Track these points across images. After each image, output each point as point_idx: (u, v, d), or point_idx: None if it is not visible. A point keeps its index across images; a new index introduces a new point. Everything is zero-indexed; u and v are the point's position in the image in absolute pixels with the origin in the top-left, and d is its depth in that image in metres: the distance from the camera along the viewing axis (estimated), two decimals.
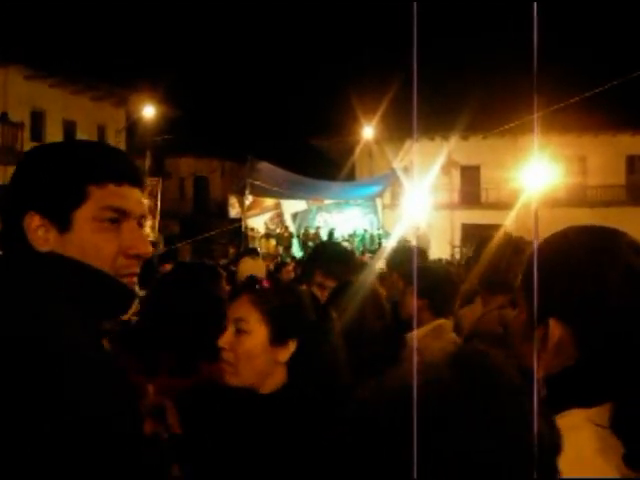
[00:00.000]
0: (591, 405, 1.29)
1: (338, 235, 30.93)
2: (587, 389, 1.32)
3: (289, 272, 12.74)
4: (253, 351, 2.05)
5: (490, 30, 48.94)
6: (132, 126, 30.56)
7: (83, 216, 1.38)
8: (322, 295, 3.07)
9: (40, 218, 1.37)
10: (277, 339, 2.08)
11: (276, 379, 2.08)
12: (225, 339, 2.07)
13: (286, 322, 2.09)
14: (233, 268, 12.55)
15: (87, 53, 29.25)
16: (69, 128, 29.30)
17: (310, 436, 1.80)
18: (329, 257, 3.66)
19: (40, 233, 1.36)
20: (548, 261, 1.41)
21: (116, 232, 1.40)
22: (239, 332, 2.06)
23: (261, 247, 27.61)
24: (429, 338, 3.54)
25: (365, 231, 31.99)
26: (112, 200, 1.40)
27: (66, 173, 1.39)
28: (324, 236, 29.89)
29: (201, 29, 75.87)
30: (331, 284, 3.34)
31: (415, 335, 3.43)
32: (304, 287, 2.65)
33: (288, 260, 18.46)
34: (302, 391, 2.06)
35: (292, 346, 2.09)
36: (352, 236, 31.41)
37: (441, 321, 3.76)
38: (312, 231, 31.26)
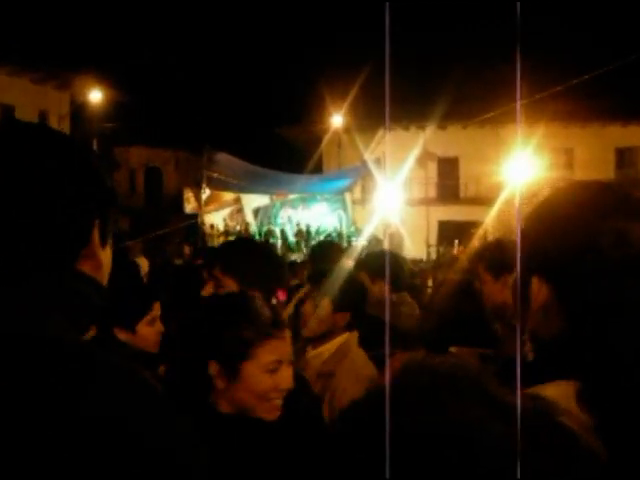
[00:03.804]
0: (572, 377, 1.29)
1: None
2: (569, 360, 1.32)
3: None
4: None
5: (470, 12, 49.21)
6: (77, 111, 30.30)
7: None
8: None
9: None
10: None
11: None
12: (291, 381, 2.34)
13: None
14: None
15: (26, 31, 28.88)
16: (7, 113, 28.91)
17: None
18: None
19: None
20: (539, 217, 1.45)
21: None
22: (289, 366, 2.36)
23: None
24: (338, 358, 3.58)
25: (335, 229, 32.04)
26: None
27: None
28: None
29: (154, 5, 75.24)
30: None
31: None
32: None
33: None
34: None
35: None
36: (317, 234, 31.43)
37: (350, 335, 3.74)
38: (282, 227, 31.19)
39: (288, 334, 2.38)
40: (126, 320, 3.55)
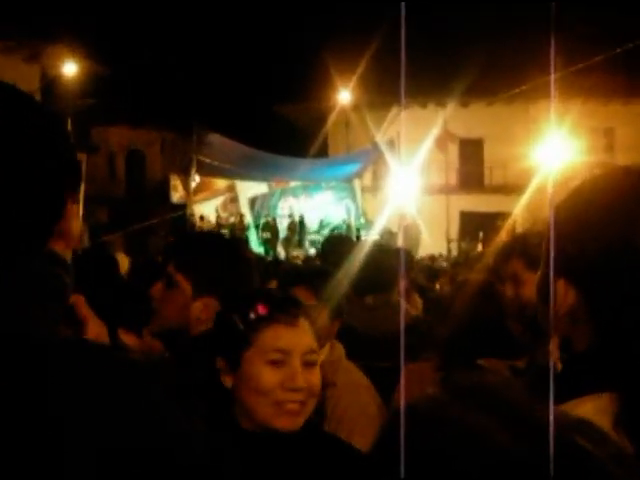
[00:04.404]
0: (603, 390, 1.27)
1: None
2: (603, 370, 1.31)
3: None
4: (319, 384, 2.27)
5: None
6: (48, 87, 30.27)
7: None
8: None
9: None
10: None
11: None
12: (303, 377, 2.20)
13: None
14: None
15: None
16: None
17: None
18: None
19: None
20: (572, 207, 1.42)
21: None
22: (308, 365, 2.23)
23: None
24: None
25: (344, 221, 32.05)
26: None
27: None
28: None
29: None
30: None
31: None
32: None
33: None
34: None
35: None
36: (321, 226, 31.42)
37: (333, 343, 3.71)
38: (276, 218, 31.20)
39: (304, 323, 2.26)
40: (133, 322, 3.66)
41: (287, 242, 30.37)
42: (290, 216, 31.61)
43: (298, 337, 2.22)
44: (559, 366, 1.39)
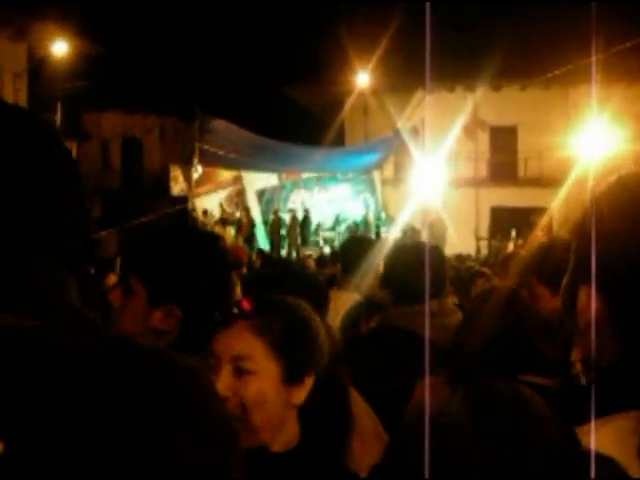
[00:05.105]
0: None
1: (319, 221, 30.94)
2: (628, 388, 1.29)
3: None
4: (265, 395, 2.20)
5: None
6: (36, 68, 30.36)
7: None
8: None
9: None
10: (292, 376, 2.23)
11: (290, 430, 2.25)
12: (224, 384, 2.17)
13: (301, 353, 2.26)
14: None
15: None
16: None
17: None
18: None
19: None
20: (612, 204, 1.40)
21: None
22: (241, 373, 2.20)
23: None
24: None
25: (362, 217, 32.00)
26: None
27: None
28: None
29: None
30: None
31: None
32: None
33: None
34: (322, 448, 2.26)
35: (309, 383, 2.26)
36: (337, 223, 31.34)
37: None
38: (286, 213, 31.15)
39: (243, 326, 2.23)
40: None
41: (290, 241, 30.17)
42: (291, 211, 31.40)
43: (228, 340, 2.23)
44: (584, 380, 1.42)
